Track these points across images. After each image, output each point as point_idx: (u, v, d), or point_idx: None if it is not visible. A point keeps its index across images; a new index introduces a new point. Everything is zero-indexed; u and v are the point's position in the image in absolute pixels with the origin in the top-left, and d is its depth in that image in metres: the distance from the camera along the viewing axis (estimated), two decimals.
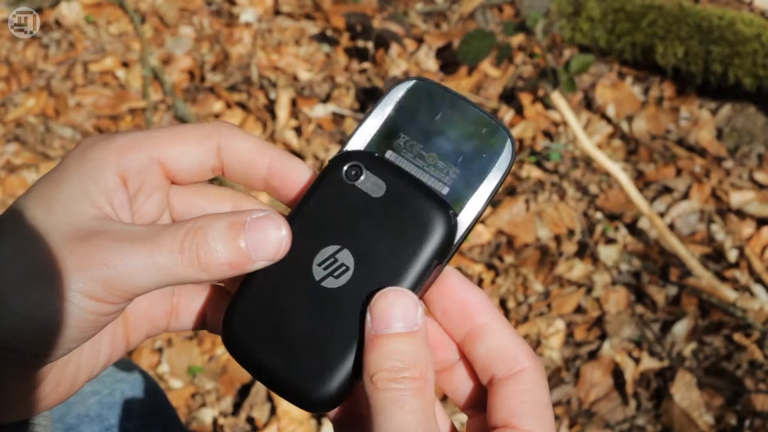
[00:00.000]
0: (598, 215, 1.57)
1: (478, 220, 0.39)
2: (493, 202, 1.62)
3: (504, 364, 0.38)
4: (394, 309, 0.36)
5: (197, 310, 0.43)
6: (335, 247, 0.38)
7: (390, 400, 0.35)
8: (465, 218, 0.38)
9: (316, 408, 0.38)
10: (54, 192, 0.36)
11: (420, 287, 0.37)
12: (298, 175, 0.41)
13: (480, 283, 1.50)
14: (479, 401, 0.41)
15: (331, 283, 0.37)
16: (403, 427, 0.34)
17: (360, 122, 0.41)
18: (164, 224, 0.36)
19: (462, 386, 0.41)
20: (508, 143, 0.38)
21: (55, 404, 0.39)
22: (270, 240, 0.36)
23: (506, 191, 1.65)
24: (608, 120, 1.77)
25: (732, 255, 1.46)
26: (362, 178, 0.39)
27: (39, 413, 0.39)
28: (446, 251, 0.38)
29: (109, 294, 0.34)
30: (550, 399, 0.38)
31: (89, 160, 0.37)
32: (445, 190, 0.39)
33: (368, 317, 0.36)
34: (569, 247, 1.52)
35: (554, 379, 1.34)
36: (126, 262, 0.34)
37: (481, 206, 0.38)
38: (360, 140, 0.41)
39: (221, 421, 1.32)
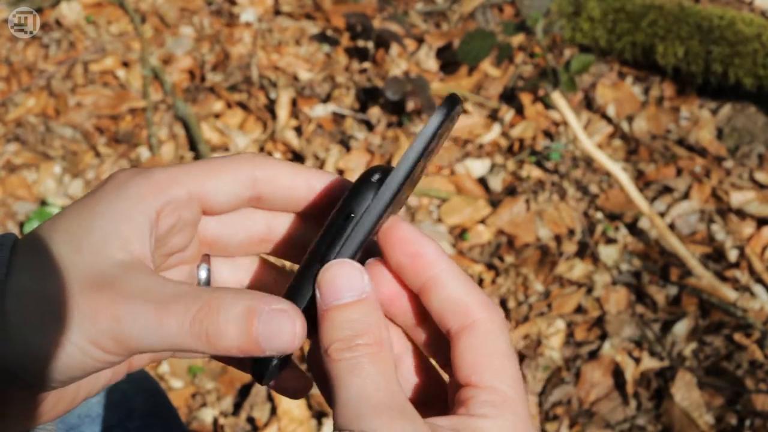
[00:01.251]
0: (599, 215, 1.57)
1: (414, 168, 0.37)
2: (494, 202, 1.62)
3: (456, 316, 0.37)
4: (339, 280, 0.36)
5: None
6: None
7: (346, 369, 0.34)
8: (397, 171, 0.37)
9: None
10: (84, 229, 0.36)
11: (359, 250, 0.37)
12: (339, 191, 0.41)
13: (480, 282, 1.50)
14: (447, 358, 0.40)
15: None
16: (361, 394, 0.33)
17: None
18: (183, 286, 0.36)
19: (429, 339, 0.40)
20: (444, 103, 0.37)
21: (53, 419, 0.40)
22: (283, 334, 0.35)
23: (506, 191, 1.65)
24: (608, 120, 1.77)
25: (732, 255, 1.46)
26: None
27: (39, 426, 0.40)
28: (362, 204, 0.37)
29: (115, 346, 0.34)
30: (511, 348, 0.37)
31: (126, 198, 0.37)
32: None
33: (317, 293, 0.36)
34: (569, 247, 1.52)
35: (554, 379, 1.34)
36: (134, 321, 0.34)
37: (411, 156, 0.37)
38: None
39: (221, 421, 1.32)
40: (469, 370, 0.36)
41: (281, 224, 0.42)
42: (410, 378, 0.40)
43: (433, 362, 0.41)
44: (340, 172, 1.72)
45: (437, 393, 0.40)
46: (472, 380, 0.36)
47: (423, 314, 0.40)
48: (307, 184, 0.40)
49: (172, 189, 0.38)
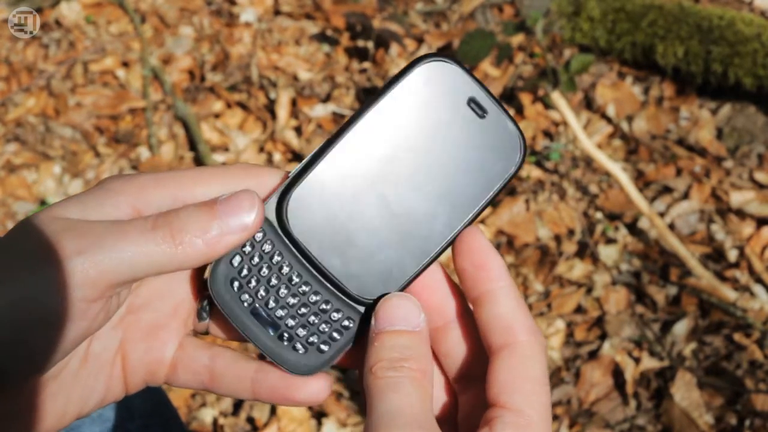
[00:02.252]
0: (598, 215, 1.57)
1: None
2: (494, 202, 1.62)
3: (500, 333, 0.37)
4: (398, 311, 0.37)
5: (197, 368, 0.42)
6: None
7: (387, 385, 0.35)
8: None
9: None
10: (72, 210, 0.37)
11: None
12: None
13: None
14: (471, 372, 0.40)
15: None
16: (397, 409, 0.34)
17: None
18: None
19: (454, 350, 0.40)
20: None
21: None
22: (244, 205, 0.37)
23: (506, 191, 1.65)
24: (608, 120, 1.77)
25: (732, 255, 1.46)
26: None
27: None
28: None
29: (87, 278, 0.34)
30: (546, 376, 0.37)
31: (105, 188, 0.37)
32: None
33: (373, 320, 0.37)
34: (569, 247, 1.52)
35: (554, 379, 1.34)
36: (97, 244, 0.34)
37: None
38: None
39: (221, 420, 1.32)
40: (500, 389, 0.36)
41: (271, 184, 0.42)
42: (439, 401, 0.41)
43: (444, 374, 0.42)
44: None
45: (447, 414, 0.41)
46: (501, 400, 0.36)
47: (446, 320, 0.40)
48: None
49: (156, 190, 0.38)
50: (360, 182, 0.39)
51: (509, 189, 1.64)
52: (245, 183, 0.39)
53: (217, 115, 1.87)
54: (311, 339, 0.39)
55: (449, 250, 0.40)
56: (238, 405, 1.35)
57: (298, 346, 0.39)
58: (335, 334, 0.39)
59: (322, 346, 0.39)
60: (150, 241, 0.35)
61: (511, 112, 1.79)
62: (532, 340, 0.37)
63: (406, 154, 0.39)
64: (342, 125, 0.39)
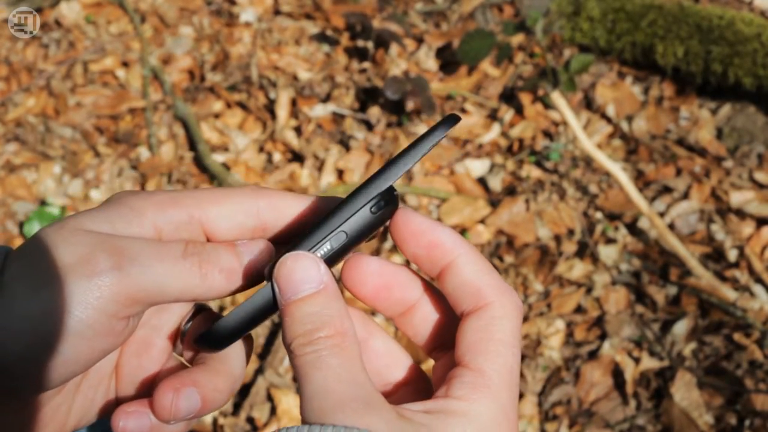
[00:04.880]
0: (598, 215, 1.57)
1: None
2: (493, 202, 1.62)
3: (469, 299, 0.36)
4: (295, 273, 0.36)
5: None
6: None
7: (308, 363, 0.34)
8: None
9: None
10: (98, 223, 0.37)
11: (324, 244, 0.38)
12: None
13: None
14: (444, 341, 0.39)
15: None
16: (324, 387, 0.33)
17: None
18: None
19: (423, 324, 0.40)
20: (446, 120, 0.39)
21: None
22: (263, 259, 0.38)
23: (506, 191, 1.65)
24: (608, 120, 1.77)
25: (732, 255, 1.46)
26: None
27: None
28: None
29: (115, 296, 0.35)
30: (514, 338, 0.36)
31: (127, 206, 0.38)
32: None
33: (276, 289, 0.36)
34: (569, 247, 1.52)
35: (554, 378, 1.34)
36: (132, 261, 0.35)
37: (402, 169, 0.38)
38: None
39: (221, 420, 1.32)
40: (464, 350, 0.35)
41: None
42: (376, 361, 0.40)
43: (420, 349, 0.41)
44: (340, 171, 1.72)
45: (412, 377, 0.40)
46: (464, 360, 0.35)
47: (410, 303, 0.40)
48: (312, 212, 0.40)
49: (173, 209, 0.38)
50: None
51: (509, 189, 1.64)
52: (257, 204, 0.40)
53: (216, 115, 1.87)
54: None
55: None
56: (238, 405, 1.35)
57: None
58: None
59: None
60: (180, 266, 0.36)
61: (511, 112, 1.79)
62: (503, 300, 0.36)
63: None
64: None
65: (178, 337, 0.42)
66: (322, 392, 0.33)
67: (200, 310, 0.42)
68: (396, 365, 0.40)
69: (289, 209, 0.40)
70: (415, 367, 0.41)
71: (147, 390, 0.41)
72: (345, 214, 0.37)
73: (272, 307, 0.37)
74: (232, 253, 0.38)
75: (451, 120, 0.38)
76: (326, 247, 0.37)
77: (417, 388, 0.40)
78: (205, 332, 0.38)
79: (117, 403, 0.41)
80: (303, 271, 0.36)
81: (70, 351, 0.35)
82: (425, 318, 0.40)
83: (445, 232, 0.38)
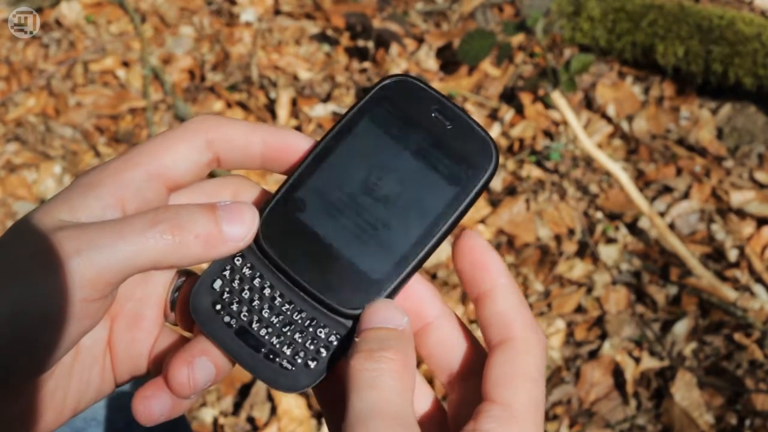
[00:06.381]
0: (599, 215, 1.58)
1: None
2: (493, 201, 1.62)
3: (498, 330, 0.37)
4: (379, 313, 0.37)
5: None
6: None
7: (365, 380, 0.34)
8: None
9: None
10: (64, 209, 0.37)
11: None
12: (294, 144, 0.41)
13: None
14: (459, 370, 0.40)
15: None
16: (373, 407, 0.33)
17: None
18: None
19: (439, 348, 0.40)
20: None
21: None
22: (244, 215, 0.38)
23: (506, 191, 1.65)
24: (608, 119, 1.77)
25: (732, 254, 1.46)
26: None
27: None
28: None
29: (86, 277, 0.35)
30: (540, 373, 0.37)
31: (84, 183, 0.38)
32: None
33: (357, 328, 0.37)
34: (569, 247, 1.52)
35: (554, 378, 1.34)
36: (95, 242, 0.35)
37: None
38: None
39: (222, 420, 1.32)
40: (492, 384, 0.36)
41: (248, 197, 0.42)
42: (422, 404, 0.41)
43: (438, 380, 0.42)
44: None
45: (434, 410, 0.41)
46: (491, 395, 0.36)
47: (426, 321, 0.40)
48: (262, 141, 0.41)
49: (129, 171, 0.38)
50: (333, 197, 0.39)
51: (509, 189, 1.64)
52: (207, 137, 0.40)
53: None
54: (298, 357, 0.39)
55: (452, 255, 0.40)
56: (238, 405, 1.35)
57: (285, 364, 0.39)
58: (322, 350, 0.39)
59: (310, 363, 0.39)
60: (150, 236, 0.35)
61: (512, 112, 1.79)
62: (530, 336, 0.37)
63: (376, 167, 0.40)
64: (312, 145, 0.41)
65: (167, 306, 0.42)
66: (372, 410, 0.33)
67: (186, 275, 0.42)
68: (419, 397, 0.40)
69: (239, 139, 0.40)
70: (436, 400, 0.41)
71: (145, 364, 0.41)
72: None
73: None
74: (210, 217, 0.37)
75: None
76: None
77: (438, 421, 0.40)
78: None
79: (115, 380, 0.41)
80: (387, 313, 0.37)
81: (47, 338, 0.35)
82: (441, 341, 0.40)
83: (494, 258, 0.39)
